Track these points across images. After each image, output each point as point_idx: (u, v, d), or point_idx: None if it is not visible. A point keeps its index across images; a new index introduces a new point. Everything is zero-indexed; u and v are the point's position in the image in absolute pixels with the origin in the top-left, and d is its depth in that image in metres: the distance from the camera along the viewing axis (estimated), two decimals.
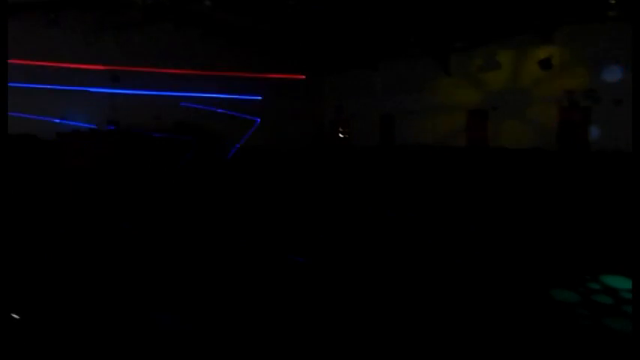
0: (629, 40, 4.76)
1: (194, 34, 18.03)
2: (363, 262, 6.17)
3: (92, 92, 16.19)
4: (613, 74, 12.58)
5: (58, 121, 15.77)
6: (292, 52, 19.74)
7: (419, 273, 5.71)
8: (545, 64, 14.13)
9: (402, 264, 6.08)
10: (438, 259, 6.27)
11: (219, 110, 18.72)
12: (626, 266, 5.45)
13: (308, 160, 18.90)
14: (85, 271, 5.78)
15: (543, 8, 12.86)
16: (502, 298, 4.92)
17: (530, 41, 14.49)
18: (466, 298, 4.94)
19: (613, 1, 11.43)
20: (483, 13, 13.34)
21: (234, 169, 17.26)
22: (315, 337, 3.97)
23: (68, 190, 12.64)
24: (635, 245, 2.96)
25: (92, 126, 16.15)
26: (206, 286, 5.23)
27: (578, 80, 13.55)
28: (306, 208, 9.94)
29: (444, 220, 8.69)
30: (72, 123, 15.90)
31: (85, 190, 12.53)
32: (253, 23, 17.08)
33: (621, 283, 5.21)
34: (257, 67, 19.82)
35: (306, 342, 3.89)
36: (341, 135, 21.75)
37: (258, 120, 19.69)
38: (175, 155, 16.44)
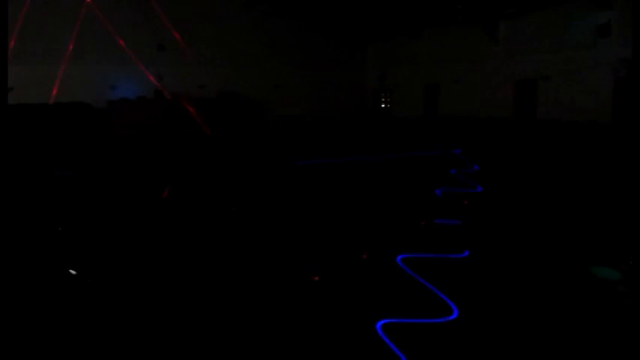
0: None
1: (236, 3, 18.04)
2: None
3: (139, 62, 16.59)
4: None
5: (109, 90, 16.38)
6: (337, 21, 19.44)
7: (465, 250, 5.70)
8: (603, 30, 13.33)
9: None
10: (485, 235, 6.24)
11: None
12: None
13: (346, 131, 18.80)
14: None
15: None
16: (544, 274, 4.88)
17: (586, 6, 13.66)
18: (509, 273, 4.93)
19: None
20: None
21: (275, 137, 17.44)
22: None
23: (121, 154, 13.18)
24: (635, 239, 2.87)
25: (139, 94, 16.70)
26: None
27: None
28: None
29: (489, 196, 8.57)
30: (121, 92, 16.48)
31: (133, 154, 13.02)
32: None
33: None
34: (301, 37, 19.74)
35: None
36: (383, 105, 21.48)
37: None
38: (219, 122, 16.77)
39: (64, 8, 15.43)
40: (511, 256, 5.33)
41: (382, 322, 3.60)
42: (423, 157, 12.46)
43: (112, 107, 15.57)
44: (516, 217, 6.95)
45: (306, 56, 19.98)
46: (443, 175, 9.98)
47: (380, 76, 21.15)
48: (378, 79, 21.32)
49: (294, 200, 8.03)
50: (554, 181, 9.42)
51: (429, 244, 5.62)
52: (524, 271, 4.93)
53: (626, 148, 11.19)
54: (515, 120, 15.73)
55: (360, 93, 21.89)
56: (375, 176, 10.13)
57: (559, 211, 7.27)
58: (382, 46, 21.05)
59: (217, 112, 17.13)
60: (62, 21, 15.42)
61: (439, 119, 18.00)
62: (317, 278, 4.58)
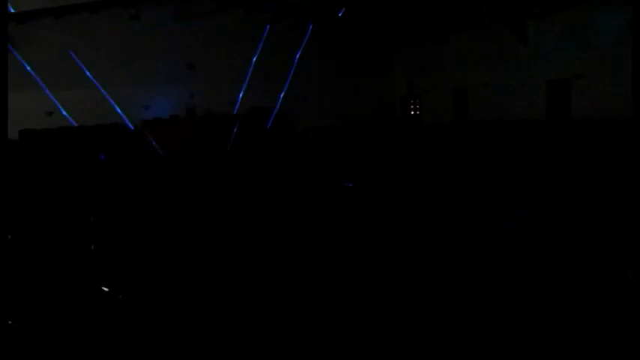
0: None
1: (264, 18, 18.40)
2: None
3: (171, 81, 17.15)
4: None
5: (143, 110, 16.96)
6: (362, 29, 19.54)
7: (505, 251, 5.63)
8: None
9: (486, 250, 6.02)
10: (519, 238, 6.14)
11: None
12: None
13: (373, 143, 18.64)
14: None
15: None
16: (580, 274, 4.76)
17: (616, 1, 13.26)
18: (542, 273, 4.83)
19: None
20: None
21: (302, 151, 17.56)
22: None
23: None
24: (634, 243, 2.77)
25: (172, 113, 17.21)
26: None
27: None
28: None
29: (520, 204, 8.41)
30: (156, 111, 17.03)
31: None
32: (322, 4, 17.11)
33: None
34: (327, 48, 19.91)
35: None
36: (412, 112, 21.33)
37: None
38: (248, 136, 17.09)
39: (96, 34, 16.16)
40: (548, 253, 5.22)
41: None
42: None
43: (146, 127, 16.10)
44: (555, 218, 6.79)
45: (333, 66, 20.12)
46: None
47: (407, 83, 21.05)
48: (405, 86, 21.22)
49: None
50: (595, 182, 9.16)
51: None
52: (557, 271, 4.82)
53: None
54: (549, 121, 15.34)
55: (389, 101, 21.83)
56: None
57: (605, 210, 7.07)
58: (409, 53, 20.98)
59: (247, 127, 17.47)
60: (95, 43, 16.15)
61: (468, 125, 17.71)
62: None
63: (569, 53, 14.73)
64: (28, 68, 15.19)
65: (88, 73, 15.92)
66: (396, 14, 17.19)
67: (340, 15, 17.30)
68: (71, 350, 3.66)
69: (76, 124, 15.63)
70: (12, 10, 13.40)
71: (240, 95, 18.32)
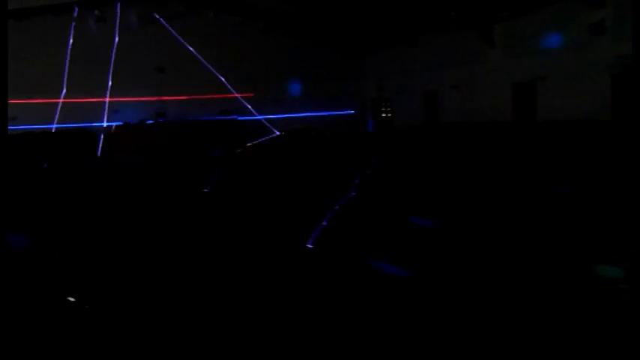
0: None
1: (234, 21, 18.27)
2: None
3: (141, 85, 16.84)
4: None
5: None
6: (331, 33, 19.63)
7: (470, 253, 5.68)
8: (597, 28, 13.35)
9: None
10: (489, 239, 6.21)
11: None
12: None
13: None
14: None
15: None
16: (544, 272, 4.85)
17: (579, 6, 13.72)
18: (507, 269, 4.89)
19: None
20: None
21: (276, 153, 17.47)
22: None
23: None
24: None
25: (143, 118, 16.87)
26: None
27: (630, 44, 12.71)
28: None
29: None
30: (123, 116, 16.66)
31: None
32: (293, 8, 17.10)
33: None
34: (298, 52, 19.91)
35: None
36: (383, 114, 21.53)
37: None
38: (220, 139, 16.88)
39: (63, 35, 15.73)
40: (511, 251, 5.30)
41: None
42: None
43: (114, 132, 15.73)
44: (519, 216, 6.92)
45: (305, 69, 20.13)
46: None
47: (378, 86, 21.25)
48: (376, 89, 21.41)
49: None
50: (556, 179, 9.38)
51: None
52: (523, 267, 4.90)
53: (627, 144, 11.13)
54: (515, 122, 15.72)
55: (361, 103, 21.98)
56: None
57: (561, 207, 7.23)
58: (379, 56, 21.18)
59: (219, 131, 17.27)
60: (58, 47, 15.71)
61: (438, 126, 18.00)
62: None
63: (535, 56, 15.14)
64: None
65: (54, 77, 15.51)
66: (366, 17, 17.33)
67: (311, 18, 17.34)
68: None
69: (39, 130, 15.17)
70: None
71: (210, 98, 18.15)
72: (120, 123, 16.02)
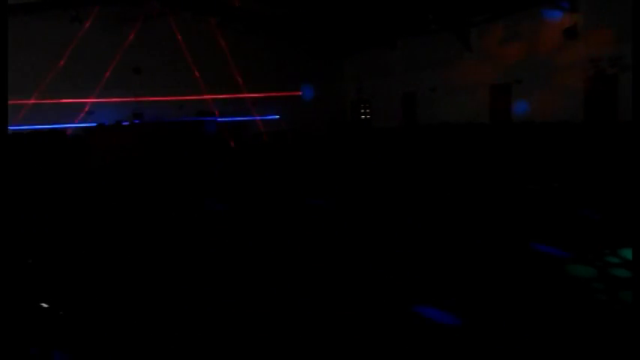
0: None
1: (212, 22, 18.12)
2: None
3: (117, 87, 16.58)
4: None
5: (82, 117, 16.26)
6: (310, 35, 19.64)
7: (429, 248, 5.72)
8: (570, 33, 13.65)
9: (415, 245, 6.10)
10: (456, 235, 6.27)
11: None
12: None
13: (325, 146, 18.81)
14: None
15: None
16: (517, 273, 4.91)
17: (553, 10, 13.99)
18: (482, 271, 4.94)
19: None
20: None
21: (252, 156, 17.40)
22: None
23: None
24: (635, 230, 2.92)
25: (120, 120, 16.59)
26: None
27: (604, 47, 13.04)
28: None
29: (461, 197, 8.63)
30: (99, 118, 16.37)
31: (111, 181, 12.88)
32: (271, 8, 17.04)
33: None
34: (277, 54, 19.87)
35: None
36: (362, 116, 21.64)
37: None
38: (198, 140, 16.72)
39: (37, 35, 15.37)
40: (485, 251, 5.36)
41: None
42: None
43: (88, 134, 15.43)
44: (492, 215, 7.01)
45: (284, 71, 20.11)
46: None
47: (357, 88, 21.35)
48: (355, 91, 21.50)
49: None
50: (532, 178, 9.54)
51: None
52: (495, 270, 4.95)
53: (600, 145, 11.40)
54: (492, 124, 15.95)
55: (340, 105, 22.05)
56: None
57: (536, 207, 7.35)
58: (358, 58, 21.27)
59: (195, 132, 17.09)
60: (35, 48, 15.34)
61: (417, 130, 18.15)
62: None
63: (510, 59, 15.40)
64: None
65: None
66: (345, 19, 17.39)
67: (290, 20, 17.32)
68: None
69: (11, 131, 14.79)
70: None
71: (188, 99, 17.98)
72: (94, 124, 15.73)
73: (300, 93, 20.34)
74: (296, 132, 19.92)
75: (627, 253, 5.23)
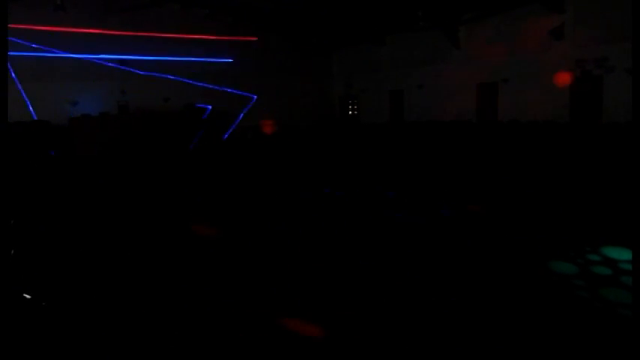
0: None
1: (201, 14, 17.94)
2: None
3: (102, 78, 16.34)
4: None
5: (71, 107, 16.01)
6: (299, 30, 19.55)
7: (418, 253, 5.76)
8: (557, 33, 13.81)
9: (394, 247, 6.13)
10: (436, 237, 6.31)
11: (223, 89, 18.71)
12: (629, 238, 5.43)
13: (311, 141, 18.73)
14: None
15: None
16: (501, 270, 4.96)
17: (540, 10, 14.15)
18: (465, 268, 4.99)
19: None
20: None
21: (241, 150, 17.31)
22: None
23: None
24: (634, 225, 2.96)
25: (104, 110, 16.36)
26: None
27: (590, 49, 13.21)
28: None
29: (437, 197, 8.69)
30: (84, 108, 16.11)
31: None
32: (260, 1, 16.91)
33: (622, 254, 5.20)
34: (266, 47, 19.73)
35: None
36: (350, 112, 21.63)
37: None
38: (186, 134, 16.56)
39: (20, 22, 15.05)
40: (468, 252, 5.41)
41: None
42: None
43: (73, 124, 15.16)
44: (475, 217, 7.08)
45: (272, 65, 19.99)
46: None
47: (346, 83, 21.33)
48: (344, 87, 21.48)
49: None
50: (517, 180, 9.64)
51: None
52: (479, 268, 5.01)
53: (585, 145, 11.56)
54: (479, 123, 16.07)
55: (328, 101, 22.00)
56: None
57: (521, 206, 7.43)
58: (347, 53, 21.24)
59: (183, 125, 16.92)
60: (16, 35, 15.02)
61: (403, 127, 18.18)
62: None
63: (497, 58, 15.52)
64: None
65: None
66: (334, 15, 17.33)
67: (279, 13, 17.21)
68: None
69: None
70: None
71: (175, 92, 17.81)
72: (79, 115, 15.47)
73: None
74: (282, 127, 19.82)
75: (609, 252, 5.32)
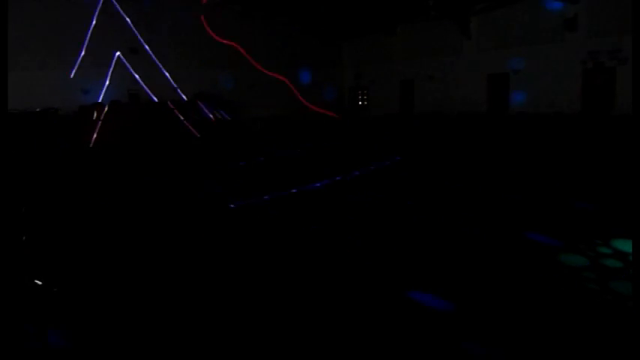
0: None
1: (210, 3, 17.92)
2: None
3: (113, 66, 16.41)
4: None
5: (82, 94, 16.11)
6: (309, 20, 19.44)
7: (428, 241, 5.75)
8: (570, 24, 13.61)
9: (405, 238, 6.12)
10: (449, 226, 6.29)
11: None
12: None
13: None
14: None
15: None
16: (510, 262, 4.94)
17: (554, 1, 13.93)
18: (476, 261, 4.98)
19: None
20: None
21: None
22: None
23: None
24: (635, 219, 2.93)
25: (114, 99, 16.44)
26: None
27: (603, 40, 13.02)
28: None
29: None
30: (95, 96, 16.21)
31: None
32: None
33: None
34: (275, 37, 19.68)
35: None
36: (360, 102, 21.53)
37: None
38: (194, 123, 16.63)
39: (30, 13, 15.12)
40: (479, 242, 5.40)
41: None
42: None
43: (83, 112, 15.27)
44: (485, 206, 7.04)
45: (282, 56, 19.94)
46: None
47: (355, 74, 21.21)
48: (354, 77, 21.37)
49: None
50: (522, 168, 9.57)
51: None
52: (489, 260, 4.99)
53: (596, 136, 11.43)
54: (488, 113, 15.94)
55: (338, 91, 21.91)
56: None
57: (530, 195, 7.38)
58: (357, 44, 21.10)
59: (191, 113, 16.99)
60: (29, 26, 15.10)
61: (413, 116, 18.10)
62: None
63: (509, 49, 15.35)
64: None
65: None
66: (344, 5, 17.22)
67: (290, 4, 17.14)
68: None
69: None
70: None
71: (184, 81, 17.85)
72: (90, 103, 15.59)
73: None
74: (292, 117, 19.81)
75: (620, 244, 5.27)
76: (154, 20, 17.05)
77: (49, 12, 15.26)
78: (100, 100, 15.96)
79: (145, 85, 17.07)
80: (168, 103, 16.57)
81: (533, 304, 3.99)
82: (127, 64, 16.72)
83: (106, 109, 15.55)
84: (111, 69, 16.43)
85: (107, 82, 16.41)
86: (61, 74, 15.64)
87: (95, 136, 14.73)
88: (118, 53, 16.52)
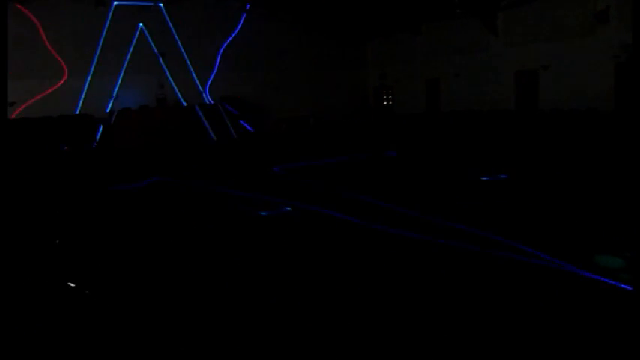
0: None
1: (234, 7, 18.11)
2: None
3: (140, 70, 16.72)
4: None
5: (111, 100, 16.48)
6: (333, 19, 19.43)
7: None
8: (601, 16, 13.21)
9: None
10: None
11: None
12: None
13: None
14: None
15: None
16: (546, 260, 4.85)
17: None
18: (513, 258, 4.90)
19: None
20: None
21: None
22: None
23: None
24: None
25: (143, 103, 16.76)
26: None
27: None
28: None
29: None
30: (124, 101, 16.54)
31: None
32: None
33: None
34: (300, 38, 19.75)
35: None
36: (385, 102, 21.40)
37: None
38: (221, 125, 16.86)
39: (61, 21, 15.53)
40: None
41: None
42: None
43: (114, 117, 15.62)
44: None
45: (306, 56, 19.99)
46: None
47: (380, 74, 21.10)
48: (378, 77, 21.27)
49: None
50: (556, 171, 9.36)
51: None
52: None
53: (630, 135, 11.05)
54: (517, 111, 15.60)
55: (362, 91, 21.84)
56: None
57: (564, 198, 7.23)
58: (381, 43, 20.99)
59: (219, 116, 17.21)
60: (61, 33, 15.51)
61: (440, 115, 17.84)
62: None
63: (537, 44, 15.00)
64: None
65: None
66: (368, 5, 17.15)
67: (313, 3, 17.15)
68: (38, 348, 3.54)
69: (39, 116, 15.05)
70: None
71: (210, 84, 18.09)
72: (120, 109, 15.92)
73: None
74: (317, 118, 19.80)
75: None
76: (182, 23, 17.29)
77: (80, 17, 15.65)
78: (128, 105, 16.27)
79: (172, 88, 17.35)
80: (195, 107, 16.83)
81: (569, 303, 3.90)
82: (163, 65, 17.04)
83: (135, 113, 15.87)
84: (139, 74, 16.72)
85: (134, 88, 16.72)
86: (91, 80, 16.03)
87: (125, 139, 15.08)
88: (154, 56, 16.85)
